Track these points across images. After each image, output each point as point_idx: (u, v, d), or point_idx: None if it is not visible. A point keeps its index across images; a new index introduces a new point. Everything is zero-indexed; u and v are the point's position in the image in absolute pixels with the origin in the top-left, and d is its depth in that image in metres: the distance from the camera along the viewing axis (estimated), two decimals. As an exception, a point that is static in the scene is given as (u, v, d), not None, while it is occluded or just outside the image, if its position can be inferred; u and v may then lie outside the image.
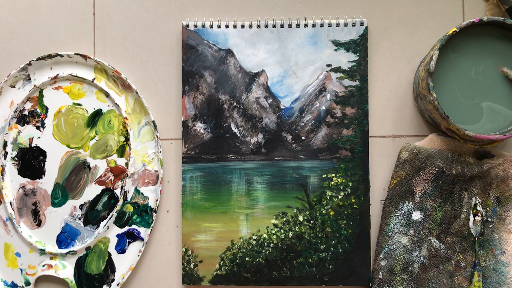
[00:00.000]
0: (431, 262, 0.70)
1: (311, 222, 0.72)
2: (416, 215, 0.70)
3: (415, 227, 0.70)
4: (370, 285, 0.71)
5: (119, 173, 0.74)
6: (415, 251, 0.70)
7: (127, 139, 0.74)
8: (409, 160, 0.70)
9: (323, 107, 0.73)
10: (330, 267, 0.72)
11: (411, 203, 0.70)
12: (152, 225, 0.73)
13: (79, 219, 0.74)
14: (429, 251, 0.70)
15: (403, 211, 0.71)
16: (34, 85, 0.74)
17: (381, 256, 0.70)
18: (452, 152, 0.70)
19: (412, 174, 0.70)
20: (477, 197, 0.70)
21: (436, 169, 0.70)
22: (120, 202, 0.73)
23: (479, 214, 0.70)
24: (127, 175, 0.73)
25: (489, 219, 0.70)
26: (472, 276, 0.69)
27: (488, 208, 0.70)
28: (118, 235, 0.73)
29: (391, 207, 0.71)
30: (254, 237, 0.73)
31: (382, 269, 0.70)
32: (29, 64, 0.74)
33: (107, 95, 0.74)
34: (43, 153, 0.74)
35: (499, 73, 0.68)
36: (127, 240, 0.73)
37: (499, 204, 0.70)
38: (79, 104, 0.74)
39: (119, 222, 0.73)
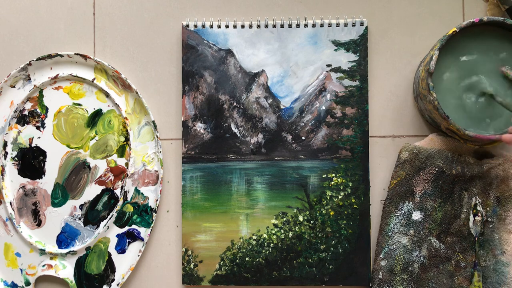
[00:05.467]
0: (431, 262, 0.70)
1: (311, 222, 0.72)
2: (416, 215, 0.70)
3: (415, 227, 0.70)
4: (370, 285, 0.71)
5: (119, 173, 0.74)
6: (415, 251, 0.70)
7: (127, 139, 0.74)
8: (409, 160, 0.70)
9: (323, 107, 0.73)
10: (330, 267, 0.72)
11: (411, 203, 0.70)
12: (152, 225, 0.73)
13: (79, 219, 0.74)
14: (429, 251, 0.70)
15: (403, 211, 0.71)
16: (34, 85, 0.74)
17: (381, 256, 0.70)
18: (452, 152, 0.70)
19: (412, 174, 0.70)
20: (477, 197, 0.70)
21: (436, 169, 0.70)
22: (120, 202, 0.73)
23: (479, 214, 0.70)
24: (127, 175, 0.73)
25: (489, 219, 0.70)
26: (472, 276, 0.69)
27: (488, 208, 0.70)
28: (118, 235, 0.73)
29: (391, 207, 0.71)
30: (254, 237, 0.73)
31: (382, 269, 0.70)
32: (29, 64, 0.74)
33: (107, 95, 0.74)
34: (43, 153, 0.74)
35: (499, 73, 0.68)
36: (127, 240, 0.73)
37: (499, 204, 0.70)
38: (79, 104, 0.74)
39: (119, 222, 0.73)
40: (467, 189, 0.70)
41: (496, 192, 0.70)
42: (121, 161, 0.74)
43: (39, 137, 0.74)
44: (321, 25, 0.73)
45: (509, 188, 0.70)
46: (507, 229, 0.70)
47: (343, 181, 0.72)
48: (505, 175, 0.70)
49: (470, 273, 0.70)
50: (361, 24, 0.73)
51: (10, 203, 0.73)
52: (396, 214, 0.71)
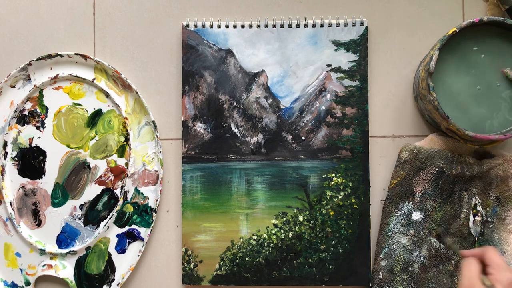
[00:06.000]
0: (431, 262, 0.70)
1: (311, 222, 0.72)
2: (416, 215, 0.70)
3: (415, 227, 0.70)
4: (370, 285, 0.71)
5: (119, 173, 0.74)
6: (415, 251, 0.70)
7: (127, 139, 0.74)
8: (409, 160, 0.70)
9: (323, 107, 0.73)
10: (330, 267, 0.72)
11: (411, 203, 0.70)
12: (152, 225, 0.73)
13: (79, 219, 0.74)
14: (429, 251, 0.70)
15: (403, 211, 0.71)
16: (34, 85, 0.74)
17: (381, 256, 0.70)
18: (452, 152, 0.70)
19: (412, 174, 0.70)
20: (477, 197, 0.70)
21: (436, 169, 0.70)
22: (120, 202, 0.73)
23: (479, 214, 0.70)
24: (127, 175, 0.73)
25: (489, 219, 0.70)
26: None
27: (488, 208, 0.70)
28: (118, 235, 0.73)
29: (391, 207, 0.71)
30: (254, 237, 0.73)
31: (382, 269, 0.70)
32: (29, 64, 0.74)
33: (107, 95, 0.74)
34: (43, 153, 0.74)
35: (499, 73, 0.68)
36: (127, 240, 0.73)
37: (499, 204, 0.70)
38: (79, 104, 0.74)
39: (119, 222, 0.73)
40: (467, 189, 0.70)
41: (496, 192, 0.70)
42: (121, 161, 0.74)
43: (39, 137, 0.74)
44: (321, 25, 0.73)
45: (509, 188, 0.70)
46: (507, 229, 0.70)
47: (343, 181, 0.72)
48: (505, 175, 0.70)
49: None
50: (361, 24, 0.73)
51: (10, 203, 0.73)
52: (396, 214, 0.71)
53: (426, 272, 0.70)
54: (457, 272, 0.70)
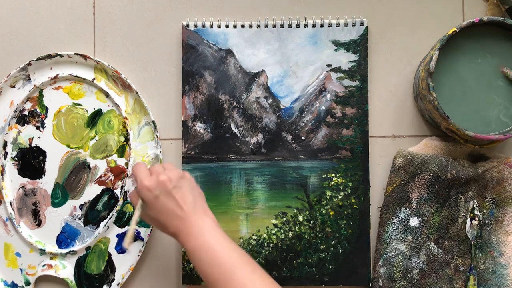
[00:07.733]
0: (430, 267, 0.70)
1: (311, 222, 0.72)
2: (413, 221, 0.70)
3: (412, 233, 0.70)
4: (370, 285, 0.71)
5: (119, 173, 0.74)
6: (413, 257, 0.70)
7: (127, 139, 0.74)
8: (404, 167, 0.70)
9: (323, 107, 0.73)
10: (330, 267, 0.72)
11: (407, 209, 0.70)
12: (152, 225, 0.73)
13: (79, 219, 0.74)
14: (427, 257, 0.70)
15: (400, 218, 0.70)
16: (34, 85, 0.74)
17: (380, 263, 0.70)
18: (446, 156, 0.70)
19: (408, 180, 0.70)
20: (474, 201, 0.70)
21: (431, 174, 0.69)
22: (120, 202, 0.73)
23: (476, 218, 0.70)
24: (127, 175, 0.73)
25: (486, 221, 0.70)
26: (468, 280, 0.69)
27: (485, 211, 0.70)
28: (118, 235, 0.73)
29: (388, 214, 0.71)
30: (254, 237, 0.73)
31: (382, 277, 0.70)
32: (29, 64, 0.74)
33: (107, 95, 0.74)
34: (43, 153, 0.74)
35: (499, 73, 0.68)
36: (127, 240, 0.73)
37: (496, 206, 0.70)
38: (79, 104, 0.74)
39: (119, 222, 0.73)
40: (463, 193, 0.70)
41: (492, 194, 0.70)
42: (121, 161, 0.74)
43: (39, 137, 0.74)
44: (321, 25, 0.73)
45: (505, 190, 0.70)
46: (505, 231, 0.70)
47: (343, 181, 0.72)
48: (500, 177, 0.70)
49: (467, 277, 0.70)
50: (361, 24, 0.73)
51: (10, 203, 0.73)
52: (393, 221, 0.71)
53: (425, 278, 0.70)
54: (456, 276, 0.70)
